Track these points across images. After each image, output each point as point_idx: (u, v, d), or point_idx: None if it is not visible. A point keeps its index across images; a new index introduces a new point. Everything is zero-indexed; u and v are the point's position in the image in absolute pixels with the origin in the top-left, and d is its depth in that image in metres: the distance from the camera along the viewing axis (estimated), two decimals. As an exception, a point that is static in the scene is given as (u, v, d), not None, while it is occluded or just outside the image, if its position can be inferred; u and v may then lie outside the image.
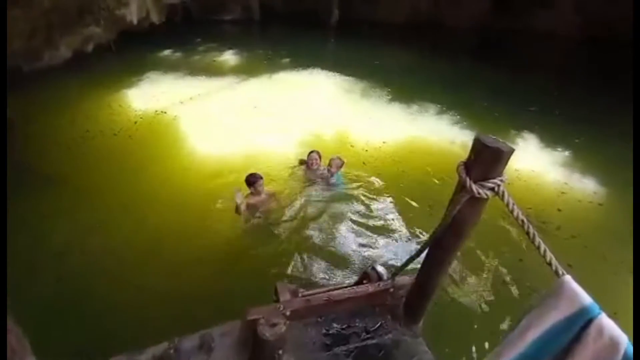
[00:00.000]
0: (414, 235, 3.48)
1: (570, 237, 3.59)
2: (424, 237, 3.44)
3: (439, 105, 6.94)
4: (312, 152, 4.14)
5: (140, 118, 5.82)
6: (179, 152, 4.97)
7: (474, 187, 1.12)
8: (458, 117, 6.51)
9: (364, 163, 4.77)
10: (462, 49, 11.67)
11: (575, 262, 3.18)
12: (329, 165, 4.02)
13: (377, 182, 4.31)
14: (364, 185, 4.23)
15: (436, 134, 5.77)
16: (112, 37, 8.99)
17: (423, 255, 1.52)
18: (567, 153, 5.43)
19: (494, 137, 1.12)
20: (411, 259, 1.59)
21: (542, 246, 1.01)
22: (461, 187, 1.19)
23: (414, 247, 3.31)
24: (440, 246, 1.40)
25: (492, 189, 1.12)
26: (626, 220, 3.80)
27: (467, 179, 1.14)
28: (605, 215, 4.02)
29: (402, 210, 3.83)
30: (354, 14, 13.24)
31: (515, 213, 1.07)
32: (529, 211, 3.87)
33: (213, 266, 3.12)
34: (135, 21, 9.00)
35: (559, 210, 3.96)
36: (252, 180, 3.49)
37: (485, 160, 1.10)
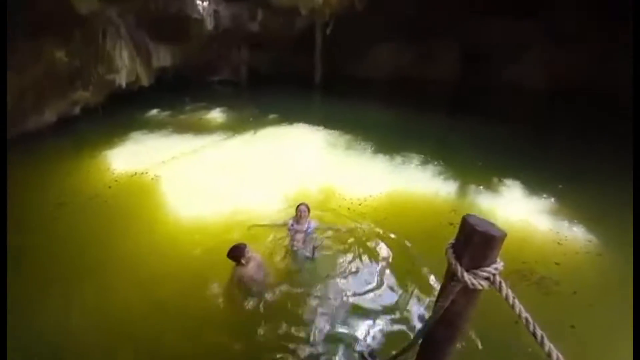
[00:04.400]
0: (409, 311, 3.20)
1: (571, 293, 3.39)
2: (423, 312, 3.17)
3: (422, 156, 7.06)
4: (300, 204, 4.04)
5: (116, 181, 5.62)
6: (157, 215, 4.73)
7: (467, 276, 0.97)
8: (441, 167, 6.59)
9: (351, 217, 4.63)
10: (441, 103, 12.36)
11: (578, 321, 2.94)
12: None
13: (364, 237, 4.13)
14: (350, 241, 4.03)
15: (421, 185, 5.76)
16: (100, 100, 9.17)
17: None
18: (552, 200, 5.43)
19: (483, 217, 1.00)
20: (402, 353, 1.36)
21: (554, 353, 0.83)
22: (451, 275, 1.03)
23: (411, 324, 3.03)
24: (434, 340, 1.19)
25: (487, 279, 0.96)
26: (627, 269, 3.66)
27: (459, 267, 0.99)
28: (605, 267, 3.87)
29: (397, 274, 3.60)
30: (337, 71, 14.09)
31: (517, 309, 0.90)
32: (524, 266, 3.69)
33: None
34: (124, 85, 9.27)
35: (557, 264, 3.79)
36: (237, 253, 3.22)
37: (476, 245, 0.96)
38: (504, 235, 0.93)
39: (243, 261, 3.21)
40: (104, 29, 8.83)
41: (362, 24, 12.72)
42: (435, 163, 6.79)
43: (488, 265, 0.96)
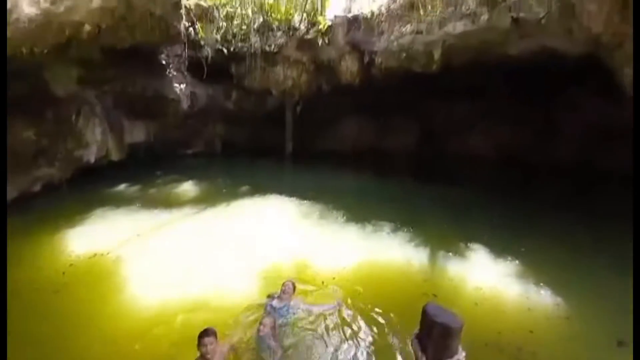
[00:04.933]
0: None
1: (549, 363, 3.37)
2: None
3: (392, 223, 7.28)
4: (287, 281, 3.97)
5: (71, 265, 5.17)
6: (116, 307, 4.31)
7: (432, 369, 1.00)
8: (411, 234, 6.79)
9: (325, 292, 4.51)
10: (403, 171, 13.31)
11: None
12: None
13: (340, 318, 3.98)
14: (327, 323, 3.87)
15: (393, 253, 5.85)
16: (66, 176, 8.92)
17: None
18: (517, 262, 5.66)
19: (442, 306, 1.08)
20: None
21: None
22: (419, 367, 1.06)
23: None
24: None
25: (451, 371, 1.00)
26: (596, 329, 3.76)
27: (424, 359, 1.03)
28: (575, 331, 3.94)
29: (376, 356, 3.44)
30: (307, 144, 14.97)
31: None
32: (499, 336, 3.68)
33: None
34: (92, 160, 9.19)
35: (531, 332, 3.82)
36: (199, 343, 2.95)
37: (437, 337, 1.02)
38: (461, 325, 1.01)
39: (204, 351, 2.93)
40: (79, 109, 9.05)
41: (330, 102, 14.09)
42: (405, 230, 7.00)
43: (451, 357, 1.01)
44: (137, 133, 11.20)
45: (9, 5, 4.39)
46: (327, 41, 10.00)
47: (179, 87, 11.22)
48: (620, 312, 3.80)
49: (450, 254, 5.90)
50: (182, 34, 8.41)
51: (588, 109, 11.96)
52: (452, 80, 11.42)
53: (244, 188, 9.92)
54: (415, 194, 9.90)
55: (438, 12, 7.86)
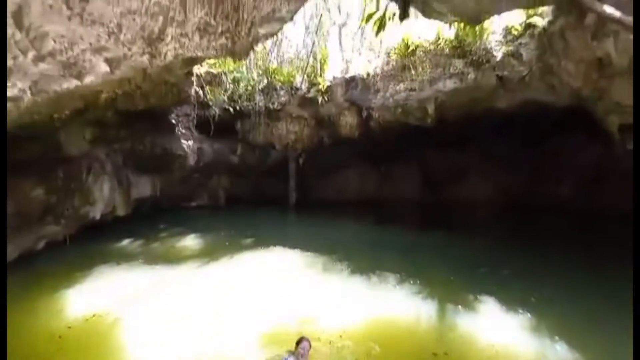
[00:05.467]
0: None
1: None
2: None
3: (397, 275, 7.12)
4: (302, 339, 3.83)
5: (69, 328, 5.02)
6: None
7: None
8: (418, 286, 6.61)
9: (333, 353, 4.29)
10: (406, 219, 13.28)
11: None
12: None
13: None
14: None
15: (400, 308, 5.66)
16: (70, 232, 9.00)
17: None
18: (529, 315, 5.43)
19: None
20: None
21: None
22: None
23: None
24: None
25: None
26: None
27: None
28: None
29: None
30: (310, 194, 15.18)
31: None
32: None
33: None
34: (98, 217, 9.32)
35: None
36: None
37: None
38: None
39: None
40: (89, 166, 9.44)
41: (332, 153, 14.58)
42: (411, 281, 6.83)
43: None
44: (143, 188, 11.50)
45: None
46: (326, 99, 10.73)
47: (187, 144, 11.79)
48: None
49: (459, 307, 5.69)
50: (192, 97, 9.09)
51: (579, 152, 12.32)
52: (447, 131, 11.94)
53: (248, 240, 9.89)
54: (419, 243, 9.78)
55: (428, 72, 8.55)
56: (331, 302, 5.87)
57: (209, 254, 8.66)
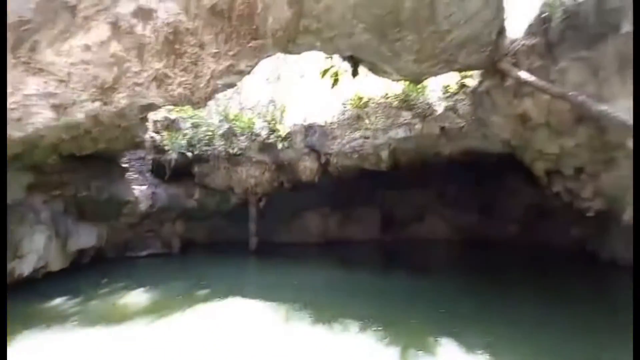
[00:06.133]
0: None
1: None
2: None
3: (360, 321, 6.98)
4: None
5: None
6: None
7: None
8: (381, 332, 6.51)
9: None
10: (369, 260, 13.38)
11: None
12: None
13: None
14: None
15: (364, 356, 5.49)
16: (-11, 293, 7.76)
17: None
18: (488, 356, 5.53)
19: None
20: None
21: None
22: None
23: None
24: None
25: None
26: None
27: None
28: None
29: None
30: (271, 238, 14.82)
31: None
32: None
33: None
34: (27, 272, 8.22)
35: None
36: None
37: None
38: None
39: None
40: (22, 217, 8.50)
41: (293, 196, 14.65)
42: (374, 328, 6.71)
43: None
44: (86, 237, 10.49)
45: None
46: (286, 145, 11.03)
47: (139, 189, 11.20)
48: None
49: (421, 352, 5.65)
50: (148, 142, 8.85)
51: (522, 192, 13.66)
52: (402, 174, 12.71)
53: (203, 292, 9.21)
54: (381, 285, 9.81)
55: (381, 122, 9.29)
56: (292, 357, 5.53)
57: (157, 310, 7.88)
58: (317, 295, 8.70)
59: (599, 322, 6.72)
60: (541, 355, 5.42)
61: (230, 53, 4.73)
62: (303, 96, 12.08)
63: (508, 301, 8.04)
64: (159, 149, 10.98)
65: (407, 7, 5.29)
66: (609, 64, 5.44)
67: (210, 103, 11.63)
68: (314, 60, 12.27)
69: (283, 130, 11.06)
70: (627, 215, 7.26)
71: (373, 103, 9.35)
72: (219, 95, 11.21)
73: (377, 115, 9.17)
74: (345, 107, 10.00)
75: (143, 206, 11.27)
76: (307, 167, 11.13)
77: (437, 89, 8.49)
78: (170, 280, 10.39)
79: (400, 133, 8.94)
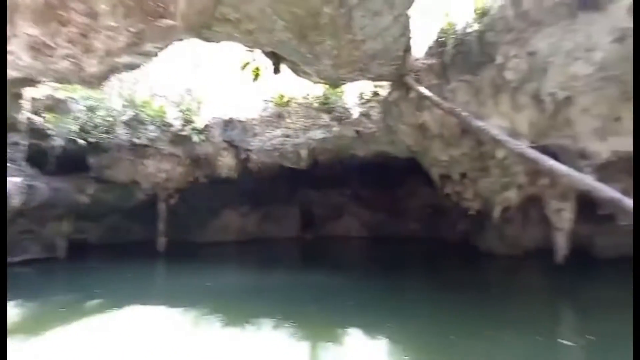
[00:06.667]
0: None
1: None
2: None
3: (274, 319, 6.98)
4: None
5: None
6: None
7: None
8: (294, 327, 6.62)
9: None
10: (287, 258, 13.49)
11: None
12: None
13: None
14: None
15: (274, 354, 5.51)
16: None
17: None
18: (387, 340, 6.11)
19: None
20: None
21: None
22: None
23: None
24: None
25: None
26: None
27: None
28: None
29: None
30: (183, 238, 13.74)
31: None
32: None
33: None
34: None
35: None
36: None
37: None
38: None
39: None
40: None
41: (209, 193, 13.83)
42: (288, 324, 6.79)
43: None
44: None
45: None
46: (203, 138, 10.37)
47: (11, 181, 9.15)
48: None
49: (330, 344, 5.94)
50: (23, 124, 7.29)
51: (422, 193, 15.48)
52: (322, 174, 13.17)
53: (95, 302, 8.02)
54: (297, 282, 10.00)
55: (301, 122, 9.46)
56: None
57: (30, 328, 6.56)
58: (230, 297, 8.40)
59: (480, 303, 8.04)
60: (431, 332, 6.21)
61: (132, 30, 4.20)
62: (223, 88, 11.53)
63: (407, 290, 9.04)
64: (39, 134, 9.14)
65: (326, 13, 5.49)
66: (486, 88, 6.58)
67: (113, 85, 10.20)
68: (237, 51, 11.86)
69: (200, 122, 10.36)
70: (496, 213, 8.89)
71: (295, 103, 9.47)
72: (125, 77, 9.90)
73: (298, 115, 9.33)
74: (267, 105, 9.89)
75: (16, 201, 9.26)
76: (226, 162, 10.66)
77: (353, 95, 9.06)
78: (53, 291, 8.79)
79: (319, 134, 9.26)
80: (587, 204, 7.27)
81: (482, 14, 6.03)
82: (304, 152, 9.70)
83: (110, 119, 10.16)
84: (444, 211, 13.75)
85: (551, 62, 5.77)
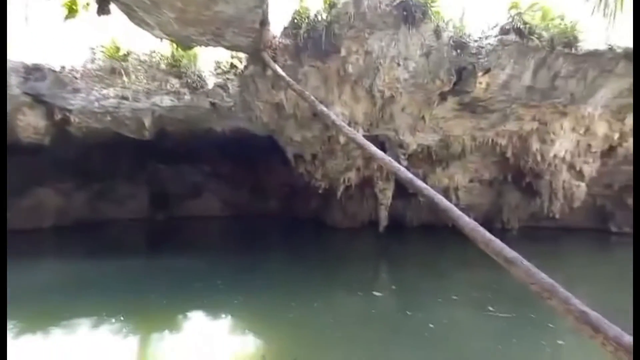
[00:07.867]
0: None
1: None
2: None
3: (95, 317, 5.91)
4: None
5: None
6: None
7: None
8: (121, 321, 5.77)
9: None
10: (131, 243, 11.67)
11: None
12: None
13: None
14: None
15: (98, 353, 4.67)
16: None
17: None
18: (230, 316, 6.12)
19: None
20: None
21: None
22: None
23: None
24: None
25: None
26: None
27: None
28: None
29: None
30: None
31: None
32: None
33: None
34: None
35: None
36: None
37: None
38: None
39: None
40: None
41: (15, 166, 10.22)
42: (114, 319, 5.85)
43: None
44: None
45: None
46: (-12, 86, 7.40)
47: None
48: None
49: (166, 331, 5.46)
50: None
51: (280, 173, 16.03)
52: (173, 146, 11.73)
53: None
54: (144, 269, 8.81)
55: (144, 83, 7.99)
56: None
57: None
58: (44, 296, 6.66)
59: (320, 271, 8.99)
60: (274, 303, 6.56)
61: None
62: (29, 24, 8.48)
63: (258, 266, 9.26)
64: None
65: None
66: (333, 77, 7.17)
67: None
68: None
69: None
70: (340, 191, 10.08)
71: (134, 59, 7.86)
72: None
73: (139, 74, 7.81)
74: (94, 55, 7.84)
75: None
76: (30, 123, 8.00)
77: (210, 64, 8.27)
78: None
79: (166, 101, 8.06)
80: (401, 185, 9.14)
81: (331, 5, 6.45)
82: (147, 120, 8.28)
83: None
84: (299, 189, 14.69)
85: (381, 64, 6.78)
